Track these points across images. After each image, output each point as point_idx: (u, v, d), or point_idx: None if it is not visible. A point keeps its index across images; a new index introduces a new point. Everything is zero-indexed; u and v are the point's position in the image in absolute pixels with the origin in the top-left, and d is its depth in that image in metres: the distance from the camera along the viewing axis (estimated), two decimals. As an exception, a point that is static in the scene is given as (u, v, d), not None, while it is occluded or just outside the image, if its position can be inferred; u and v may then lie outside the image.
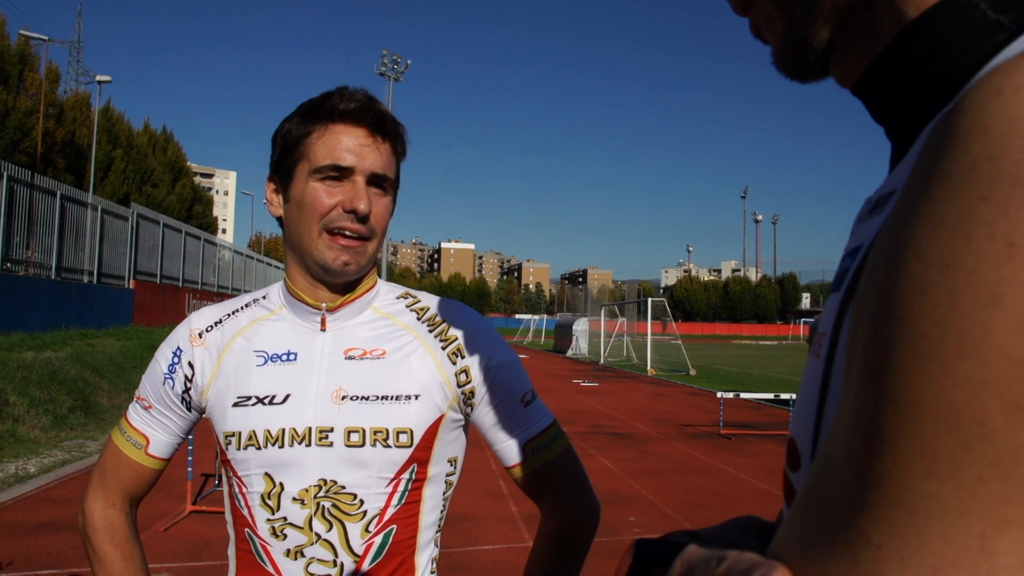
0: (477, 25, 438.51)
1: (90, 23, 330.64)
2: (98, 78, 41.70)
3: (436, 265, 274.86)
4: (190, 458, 7.60)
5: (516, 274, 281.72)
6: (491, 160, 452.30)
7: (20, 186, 18.34)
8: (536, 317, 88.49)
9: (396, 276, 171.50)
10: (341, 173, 1.57)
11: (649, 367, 34.10)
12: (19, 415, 11.83)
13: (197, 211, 54.98)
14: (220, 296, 34.64)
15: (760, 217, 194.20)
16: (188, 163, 56.76)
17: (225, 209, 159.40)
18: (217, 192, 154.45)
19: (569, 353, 49.17)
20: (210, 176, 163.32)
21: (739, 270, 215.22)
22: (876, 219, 0.55)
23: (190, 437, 6.85)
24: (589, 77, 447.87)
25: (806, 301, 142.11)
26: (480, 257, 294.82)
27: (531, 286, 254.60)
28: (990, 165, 0.36)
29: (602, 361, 39.14)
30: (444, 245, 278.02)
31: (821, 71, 0.70)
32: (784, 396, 14.83)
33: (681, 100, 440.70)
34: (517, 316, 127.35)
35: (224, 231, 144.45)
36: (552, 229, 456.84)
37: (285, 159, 1.62)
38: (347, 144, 1.57)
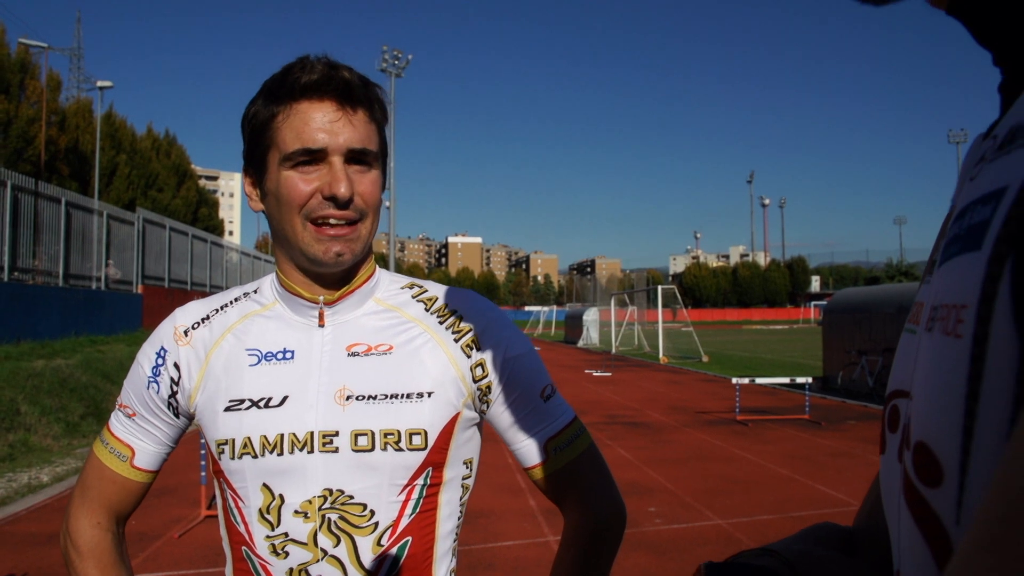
0: (477, 17, 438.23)
1: (89, 29, 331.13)
2: (99, 84, 41.75)
3: (444, 260, 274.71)
4: (203, 462, 7.48)
5: (524, 266, 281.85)
6: (496, 153, 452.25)
7: (24, 194, 18.28)
8: (546, 308, 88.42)
9: (404, 272, 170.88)
10: (314, 156, 1.40)
11: (661, 355, 34.00)
12: (31, 424, 11.77)
13: (203, 214, 55.06)
14: (230, 299, 34.62)
15: (767, 201, 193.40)
16: (192, 166, 56.85)
17: (231, 211, 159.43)
18: (223, 194, 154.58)
19: (580, 343, 49.10)
20: (215, 178, 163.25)
21: (747, 255, 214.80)
22: (1021, 152, 0.44)
23: (203, 440, 6.75)
24: (591, 66, 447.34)
25: (815, 284, 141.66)
26: (488, 250, 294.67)
27: (540, 278, 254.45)
28: None
29: (614, 350, 39.05)
30: (451, 239, 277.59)
31: None
32: (800, 380, 14.67)
33: (684, 86, 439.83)
34: (527, 308, 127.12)
35: (231, 233, 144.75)
36: (559, 220, 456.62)
37: (255, 148, 1.47)
38: (315, 122, 1.40)
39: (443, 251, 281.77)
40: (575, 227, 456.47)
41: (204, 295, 30.81)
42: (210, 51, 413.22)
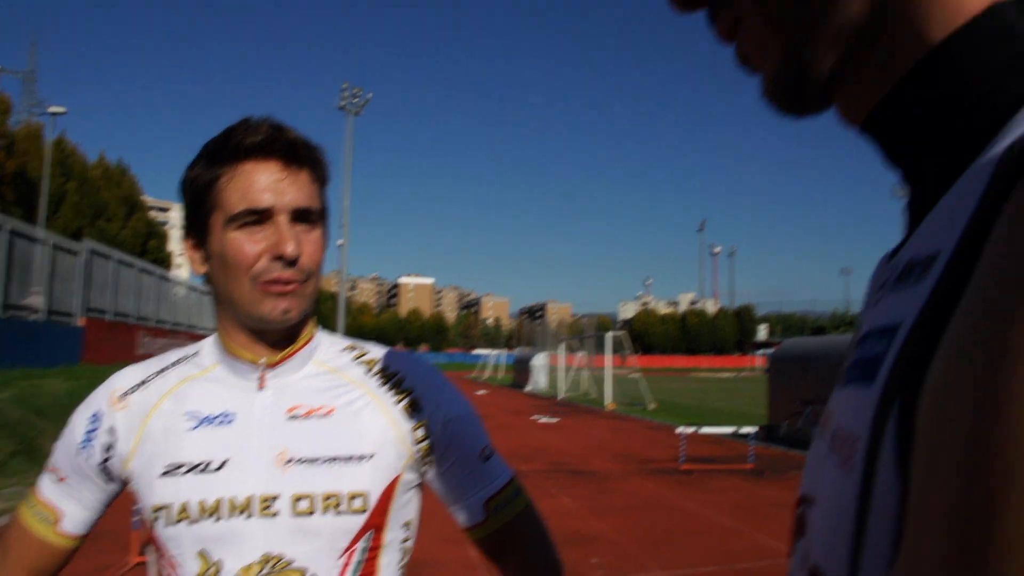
0: (437, 59, 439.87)
1: (45, 53, 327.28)
2: (51, 109, 41.29)
3: (394, 300, 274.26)
4: (135, 506, 7.26)
5: (475, 308, 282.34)
6: (452, 194, 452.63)
7: (-35, 221, 17.88)
8: (495, 352, 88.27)
9: (354, 311, 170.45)
10: (260, 216, 1.40)
11: (609, 401, 34.02)
12: (-44, 461, 11.36)
13: (152, 246, 54.51)
14: (174, 333, 34.26)
15: (718, 249, 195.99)
16: (143, 197, 56.30)
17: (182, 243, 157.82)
18: (173, 227, 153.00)
19: (528, 388, 49.00)
20: (167, 209, 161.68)
21: (697, 302, 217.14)
22: (916, 290, 0.46)
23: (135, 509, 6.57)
24: (545, 111, 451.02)
25: (763, 332, 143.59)
26: (439, 292, 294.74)
27: (490, 320, 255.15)
28: None
29: (560, 396, 39.01)
30: (403, 280, 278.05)
31: (822, 104, 0.60)
32: (745, 430, 14.77)
33: (638, 132, 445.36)
34: (476, 351, 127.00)
35: (180, 266, 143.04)
36: (512, 263, 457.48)
37: (197, 211, 1.47)
38: (260, 183, 1.40)
39: (394, 291, 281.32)
40: (528, 271, 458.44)
41: (148, 330, 30.40)
42: (169, 82, 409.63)
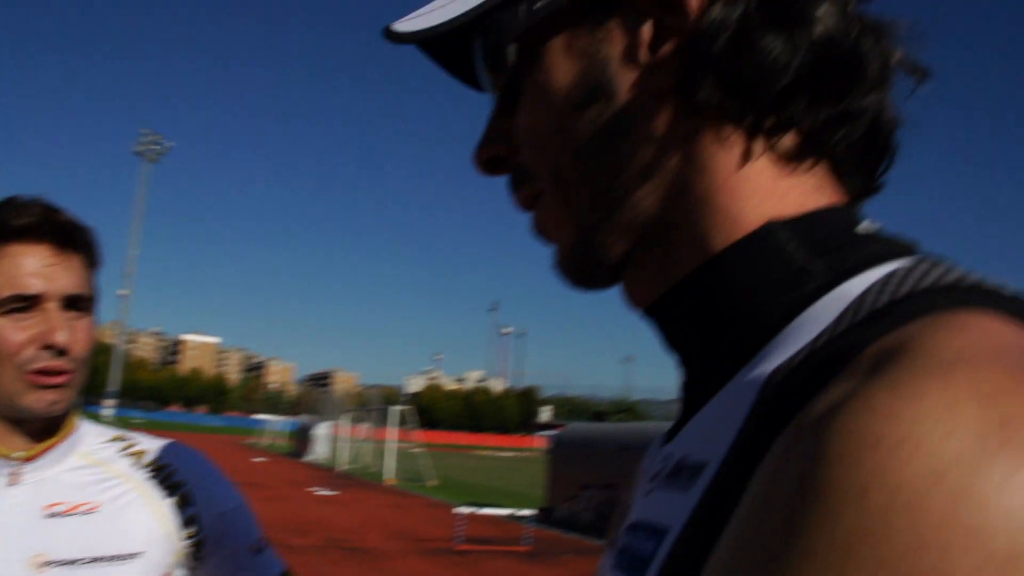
0: (243, 116, 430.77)
1: None
2: None
3: (176, 357, 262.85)
4: None
5: (260, 372, 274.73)
6: (246, 253, 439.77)
7: None
8: (277, 418, 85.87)
9: (130, 366, 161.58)
10: (28, 303, 1.30)
11: (390, 476, 33.62)
12: None
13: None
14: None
15: (508, 330, 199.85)
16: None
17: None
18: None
19: (308, 458, 47.77)
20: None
21: (485, 380, 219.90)
22: (683, 498, 0.48)
23: None
24: (346, 179, 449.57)
25: (547, 414, 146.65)
26: (224, 352, 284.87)
27: (275, 385, 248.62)
28: (872, 549, 0.29)
29: (339, 467, 38.27)
30: (186, 337, 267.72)
31: (609, 283, 0.63)
32: (523, 512, 14.91)
33: (437, 207, 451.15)
34: (257, 416, 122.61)
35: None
36: (302, 328, 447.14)
37: None
38: (29, 267, 1.31)
39: (176, 348, 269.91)
40: (317, 337, 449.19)
41: None
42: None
